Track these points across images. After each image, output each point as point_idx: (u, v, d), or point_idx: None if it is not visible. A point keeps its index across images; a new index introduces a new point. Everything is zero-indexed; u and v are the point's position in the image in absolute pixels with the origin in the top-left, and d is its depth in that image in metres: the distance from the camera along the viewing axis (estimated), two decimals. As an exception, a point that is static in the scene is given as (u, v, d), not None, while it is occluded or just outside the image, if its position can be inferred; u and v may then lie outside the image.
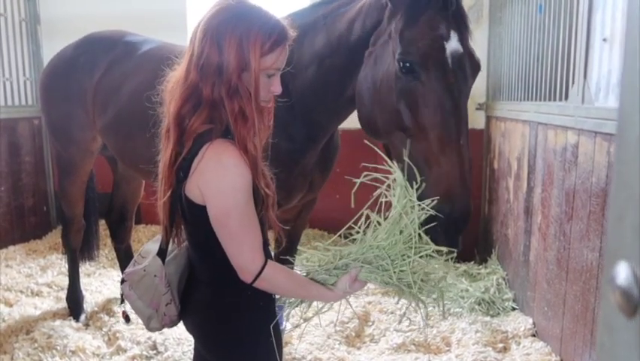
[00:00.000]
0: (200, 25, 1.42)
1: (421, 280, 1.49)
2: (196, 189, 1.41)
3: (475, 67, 1.81)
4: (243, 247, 1.41)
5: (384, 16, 1.88)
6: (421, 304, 1.55)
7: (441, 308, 1.60)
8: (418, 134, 1.73)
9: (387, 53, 1.84)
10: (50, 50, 3.46)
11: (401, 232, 1.47)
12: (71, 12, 5.01)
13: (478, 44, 4.43)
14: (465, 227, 1.66)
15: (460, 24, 1.78)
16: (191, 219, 1.49)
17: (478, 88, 4.52)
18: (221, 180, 1.37)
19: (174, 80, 1.48)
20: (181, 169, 1.42)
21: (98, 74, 2.99)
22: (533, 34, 3.35)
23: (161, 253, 1.57)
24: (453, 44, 1.73)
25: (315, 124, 2.28)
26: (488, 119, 4.47)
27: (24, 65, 5.11)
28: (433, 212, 1.53)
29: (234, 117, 1.39)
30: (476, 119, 4.56)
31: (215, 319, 1.55)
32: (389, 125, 1.83)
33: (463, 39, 1.78)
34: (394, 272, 1.44)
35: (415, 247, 1.46)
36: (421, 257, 1.47)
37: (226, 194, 1.37)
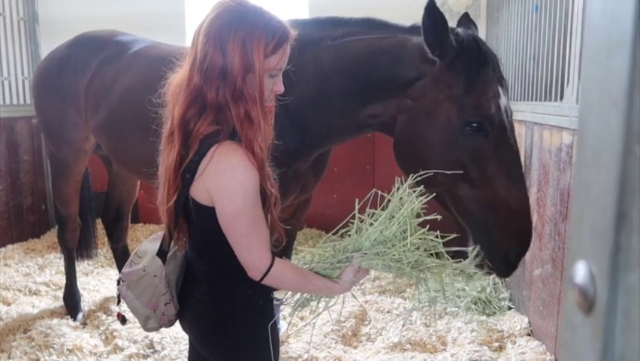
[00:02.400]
0: (202, 29, 1.42)
1: (421, 258, 1.51)
2: (203, 190, 1.41)
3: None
4: (251, 247, 1.42)
5: (426, 72, 1.95)
6: (423, 286, 1.57)
7: (440, 289, 1.67)
8: (485, 184, 1.89)
9: (443, 113, 1.92)
10: (49, 49, 3.46)
11: (394, 217, 1.50)
12: (70, 12, 5.02)
13: (476, 44, 4.45)
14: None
15: (504, 84, 1.97)
16: (196, 221, 1.49)
17: (476, 88, 4.53)
18: (231, 182, 1.38)
19: (176, 82, 1.48)
20: (187, 171, 1.42)
21: (89, 74, 2.99)
22: (529, 35, 3.36)
23: (161, 254, 1.57)
24: (504, 101, 1.92)
25: (312, 134, 2.27)
26: (485, 119, 4.48)
27: (22, 64, 5.12)
28: (420, 205, 1.57)
29: (240, 120, 1.40)
30: (473, 119, 4.56)
31: (214, 318, 1.56)
32: (451, 178, 1.90)
33: (508, 98, 1.97)
34: (396, 253, 1.47)
35: (411, 230, 1.49)
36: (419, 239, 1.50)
37: (236, 196, 1.38)
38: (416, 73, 1.98)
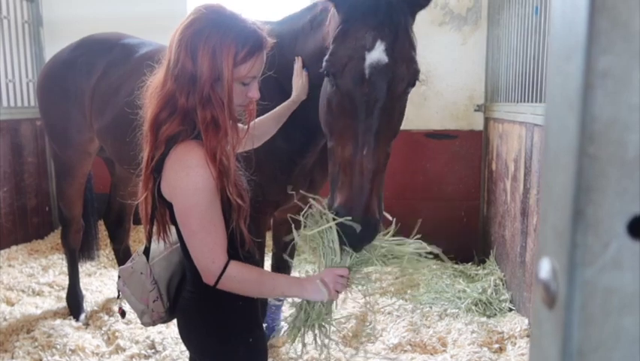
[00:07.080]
0: (176, 35, 1.45)
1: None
2: (167, 187, 1.45)
3: (413, 73, 1.71)
4: (203, 247, 1.44)
5: None
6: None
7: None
8: (332, 141, 1.75)
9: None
10: (53, 52, 3.49)
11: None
12: (74, 14, 5.05)
13: (477, 46, 4.46)
14: (367, 237, 1.65)
15: (394, 32, 1.67)
16: (170, 218, 1.53)
17: (477, 90, 4.54)
18: (183, 180, 1.40)
19: (153, 85, 1.51)
20: (155, 170, 1.46)
21: (95, 76, 3.02)
22: (530, 36, 3.37)
23: (148, 251, 1.62)
24: (375, 54, 1.64)
25: (315, 127, 2.29)
26: (487, 120, 4.49)
27: (27, 66, 5.16)
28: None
29: (206, 126, 1.41)
30: (475, 121, 4.58)
31: (196, 316, 1.59)
32: (324, 130, 1.85)
33: (394, 49, 1.66)
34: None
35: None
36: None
37: (187, 193, 1.41)
38: None
